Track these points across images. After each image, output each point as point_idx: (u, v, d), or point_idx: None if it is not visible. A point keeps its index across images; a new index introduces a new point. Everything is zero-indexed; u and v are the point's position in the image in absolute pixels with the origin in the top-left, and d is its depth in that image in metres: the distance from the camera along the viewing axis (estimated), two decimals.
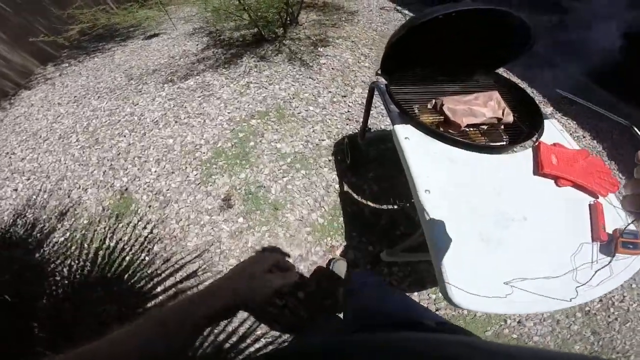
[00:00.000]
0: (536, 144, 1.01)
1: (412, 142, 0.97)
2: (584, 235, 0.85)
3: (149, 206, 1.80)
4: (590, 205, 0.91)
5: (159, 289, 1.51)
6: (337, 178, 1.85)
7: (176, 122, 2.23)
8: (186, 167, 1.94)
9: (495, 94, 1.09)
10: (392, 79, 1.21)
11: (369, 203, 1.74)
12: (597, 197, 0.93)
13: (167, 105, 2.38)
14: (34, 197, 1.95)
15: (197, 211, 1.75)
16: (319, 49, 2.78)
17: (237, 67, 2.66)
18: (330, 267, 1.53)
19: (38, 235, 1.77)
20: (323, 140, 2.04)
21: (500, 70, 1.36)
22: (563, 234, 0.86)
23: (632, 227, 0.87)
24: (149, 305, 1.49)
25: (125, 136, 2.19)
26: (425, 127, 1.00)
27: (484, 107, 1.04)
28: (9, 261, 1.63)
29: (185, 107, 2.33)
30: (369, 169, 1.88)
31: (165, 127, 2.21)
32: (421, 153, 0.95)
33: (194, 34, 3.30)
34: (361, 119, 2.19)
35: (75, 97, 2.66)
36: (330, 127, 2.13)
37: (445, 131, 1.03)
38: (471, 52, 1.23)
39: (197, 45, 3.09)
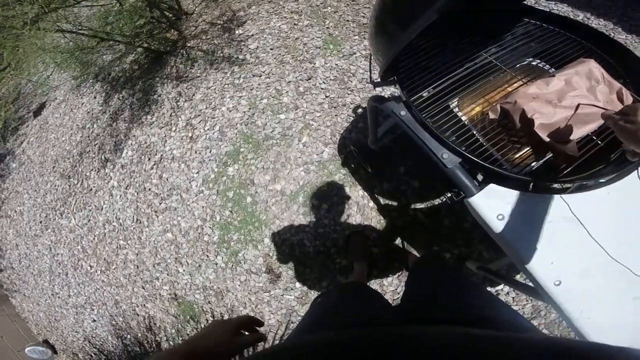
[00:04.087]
0: None
1: (510, 219, 0.64)
2: None
3: (209, 302, 1.66)
4: None
5: None
6: (365, 193, 1.53)
7: (155, 212, 1.85)
8: (208, 256, 1.68)
9: (592, 65, 0.66)
10: (403, 82, 0.79)
11: (418, 204, 1.46)
12: None
13: (130, 197, 1.95)
14: (113, 322, 1.89)
15: (252, 293, 1.58)
16: (236, 32, 2.06)
17: (160, 106, 2.05)
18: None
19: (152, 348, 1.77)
20: (322, 152, 1.63)
21: None
22: None
23: None
24: None
25: (125, 248, 1.90)
26: (518, 181, 0.66)
27: (593, 97, 0.63)
28: None
29: (150, 190, 1.89)
30: (396, 164, 1.53)
31: (151, 223, 1.85)
32: (529, 231, 0.64)
33: (79, 85, 2.53)
34: (347, 101, 1.73)
35: (40, 221, 2.25)
36: (319, 129, 1.69)
37: (557, 171, 0.66)
38: None
39: (95, 97, 2.39)
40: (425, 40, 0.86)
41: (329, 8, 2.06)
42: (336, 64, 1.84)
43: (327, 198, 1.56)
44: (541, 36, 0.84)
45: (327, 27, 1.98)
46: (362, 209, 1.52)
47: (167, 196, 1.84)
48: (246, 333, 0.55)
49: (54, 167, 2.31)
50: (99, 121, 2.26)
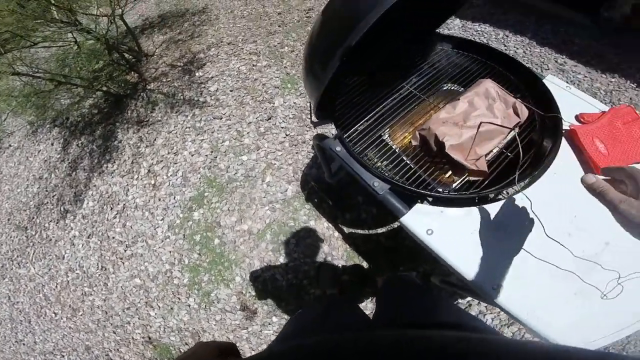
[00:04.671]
0: (567, 130, 0.76)
1: (438, 233, 0.68)
2: None
3: (186, 343, 1.58)
4: None
5: None
6: (330, 225, 1.56)
7: (120, 259, 1.79)
8: (179, 298, 1.62)
9: (488, 85, 0.76)
10: (338, 119, 0.86)
11: (378, 230, 1.51)
12: None
13: (93, 246, 1.87)
14: None
15: (230, 331, 1.52)
16: (196, 74, 2.14)
17: (121, 154, 2.05)
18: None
19: None
20: (286, 190, 1.67)
21: None
22: None
23: None
24: None
25: (92, 294, 1.80)
26: (441, 200, 0.72)
27: (494, 117, 0.72)
28: None
29: (114, 238, 1.84)
30: (354, 195, 1.59)
31: (117, 269, 1.78)
32: (457, 241, 0.68)
33: (35, 131, 2.48)
34: (307, 138, 1.82)
35: None
36: (282, 167, 1.73)
37: (478, 187, 0.72)
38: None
39: (53, 144, 2.35)
40: (355, 77, 0.95)
41: (286, 48, 2.20)
42: (294, 102, 1.93)
43: (295, 233, 1.58)
44: (453, 61, 0.94)
45: (284, 67, 2.10)
46: (328, 240, 1.55)
47: (132, 243, 1.79)
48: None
49: (9, 219, 2.19)
50: (57, 170, 2.20)
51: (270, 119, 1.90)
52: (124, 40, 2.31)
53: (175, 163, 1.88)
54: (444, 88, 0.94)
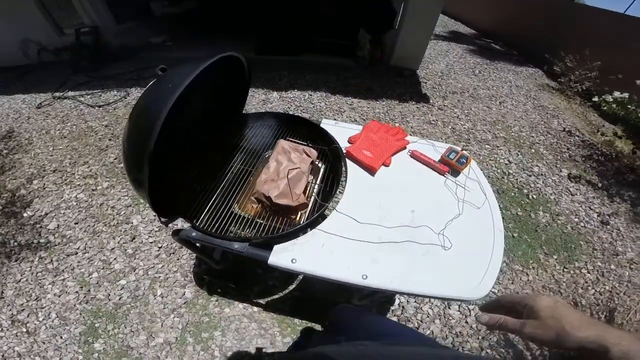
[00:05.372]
0: (346, 152, 1.09)
1: (300, 258, 0.84)
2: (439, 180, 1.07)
3: None
4: (412, 155, 1.13)
5: None
6: (245, 304, 1.57)
7: None
8: None
9: (282, 144, 1.04)
10: (185, 212, 0.95)
11: (289, 287, 1.60)
12: (406, 148, 1.17)
13: None
14: None
15: None
16: (24, 215, 1.83)
17: None
18: None
19: None
20: (184, 293, 1.59)
21: None
22: (442, 189, 1.04)
23: (441, 149, 1.16)
24: None
25: None
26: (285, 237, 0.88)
27: (294, 164, 0.98)
28: None
29: None
30: (251, 269, 1.65)
31: None
32: (316, 258, 0.85)
33: None
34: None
35: None
36: (169, 277, 1.65)
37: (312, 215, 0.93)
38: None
39: None
40: (192, 172, 1.08)
41: None
42: (155, 215, 1.88)
43: (215, 326, 1.51)
44: (262, 132, 1.20)
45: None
46: (252, 317, 1.54)
47: None
48: None
49: None
50: None
51: (134, 238, 1.79)
52: None
53: (42, 307, 1.56)
54: (265, 156, 1.18)
